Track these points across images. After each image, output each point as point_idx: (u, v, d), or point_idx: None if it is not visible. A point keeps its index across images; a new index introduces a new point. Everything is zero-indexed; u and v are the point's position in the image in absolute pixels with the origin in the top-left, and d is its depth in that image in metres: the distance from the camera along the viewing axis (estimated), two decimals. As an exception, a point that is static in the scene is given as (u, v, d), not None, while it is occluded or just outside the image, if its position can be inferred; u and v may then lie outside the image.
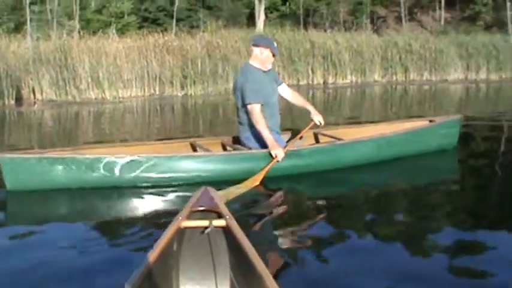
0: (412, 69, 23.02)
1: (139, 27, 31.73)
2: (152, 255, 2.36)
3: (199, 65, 16.98)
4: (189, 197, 3.00)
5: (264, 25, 26.70)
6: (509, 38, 26.84)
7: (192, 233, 2.78)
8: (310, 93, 17.97)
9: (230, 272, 2.76)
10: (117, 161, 5.19)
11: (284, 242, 3.93)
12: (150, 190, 5.18)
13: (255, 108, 5.49)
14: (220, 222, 2.73)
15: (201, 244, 2.79)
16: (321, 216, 4.52)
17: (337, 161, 5.83)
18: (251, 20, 32.38)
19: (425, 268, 3.37)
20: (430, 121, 6.94)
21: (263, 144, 5.55)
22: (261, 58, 5.74)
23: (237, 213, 3.79)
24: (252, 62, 5.79)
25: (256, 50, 5.75)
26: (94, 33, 19.38)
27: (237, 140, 6.10)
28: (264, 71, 5.79)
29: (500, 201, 4.95)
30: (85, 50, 16.09)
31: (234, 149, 5.85)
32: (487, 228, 4.14)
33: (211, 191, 3.03)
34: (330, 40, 21.93)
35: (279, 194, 5.18)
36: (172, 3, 34.64)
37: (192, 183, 5.21)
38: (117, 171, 5.19)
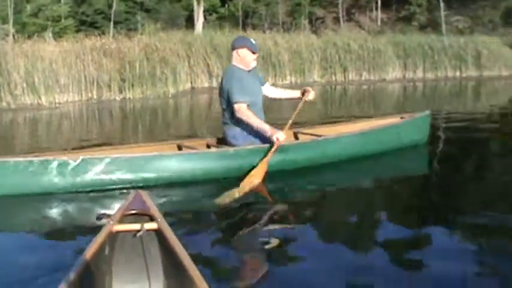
0: (351, 69, 23.27)
1: (77, 31, 31.29)
2: (83, 260, 2.32)
3: (137, 68, 16.69)
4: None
5: (203, 27, 26.60)
6: (443, 38, 27.42)
7: (124, 236, 2.76)
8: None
9: (163, 275, 2.75)
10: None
11: (244, 241, 3.99)
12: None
13: (242, 107, 5.58)
14: (152, 225, 2.73)
15: (133, 248, 2.77)
16: (293, 213, 4.62)
17: (322, 156, 5.97)
18: (190, 22, 32.22)
19: (386, 265, 3.41)
20: (402, 118, 7.15)
21: (250, 142, 5.69)
22: (241, 59, 5.80)
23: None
24: (235, 63, 5.84)
25: (234, 53, 5.84)
26: (29, 37, 18.96)
27: (222, 141, 6.15)
28: (248, 71, 5.86)
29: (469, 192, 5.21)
30: (20, 54, 15.66)
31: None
32: (450, 220, 4.28)
33: (144, 194, 3.02)
34: (269, 41, 21.98)
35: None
36: (110, 6, 34.24)
37: (181, 182, 5.32)
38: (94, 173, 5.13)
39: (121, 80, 16.53)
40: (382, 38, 25.91)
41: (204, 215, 4.62)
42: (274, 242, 3.83)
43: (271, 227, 4.22)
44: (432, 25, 34.52)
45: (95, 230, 2.74)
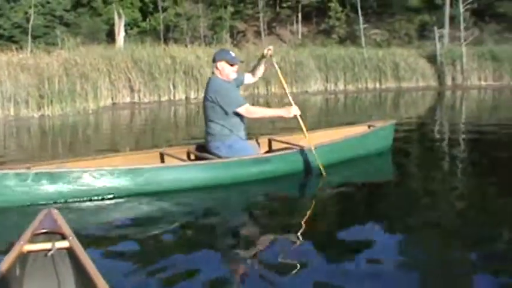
0: (273, 82, 23.41)
1: (-6, 45, 30.39)
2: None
3: (56, 83, 16.23)
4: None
5: (124, 41, 26.27)
6: (363, 50, 27.98)
7: (36, 256, 2.69)
8: (172, 109, 17.85)
9: None
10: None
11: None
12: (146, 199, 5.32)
13: (248, 107, 6.04)
14: (64, 244, 2.68)
15: (45, 267, 2.70)
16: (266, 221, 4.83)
17: (301, 165, 6.30)
18: (111, 36, 31.79)
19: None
20: (369, 126, 7.60)
21: (231, 154, 5.94)
22: (220, 71, 6.10)
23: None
24: (215, 75, 6.15)
25: (214, 67, 6.15)
26: None
27: (203, 150, 6.37)
28: (230, 82, 6.15)
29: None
30: None
31: (203, 158, 6.11)
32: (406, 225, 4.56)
33: (55, 212, 2.92)
34: (191, 55, 21.88)
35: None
36: (28, 20, 33.44)
37: (185, 190, 5.55)
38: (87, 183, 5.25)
39: (39, 96, 16.05)
40: (303, 51, 26.24)
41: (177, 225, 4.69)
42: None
43: (249, 236, 4.40)
44: (351, 38, 35.22)
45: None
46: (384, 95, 23.36)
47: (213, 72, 6.21)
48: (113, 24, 28.51)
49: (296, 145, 6.52)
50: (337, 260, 3.76)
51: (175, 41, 30.71)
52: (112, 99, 19.04)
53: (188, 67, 21.11)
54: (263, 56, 6.46)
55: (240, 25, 37.20)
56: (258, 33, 36.24)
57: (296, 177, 6.21)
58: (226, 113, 6.00)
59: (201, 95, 21.01)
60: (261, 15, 35.16)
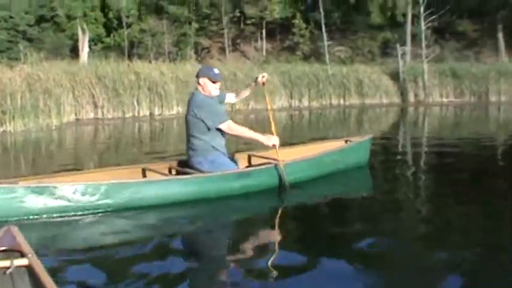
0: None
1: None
2: None
3: (19, 99, 16.04)
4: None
5: (88, 57, 26.10)
6: (327, 67, 28.23)
7: None
8: (137, 126, 17.74)
9: None
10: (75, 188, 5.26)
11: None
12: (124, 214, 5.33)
13: (230, 124, 6.08)
14: (23, 262, 2.65)
15: (3, 285, 2.65)
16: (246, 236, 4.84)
17: (279, 180, 6.34)
18: (75, 52, 31.56)
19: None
20: (346, 141, 7.81)
21: (214, 169, 5.99)
22: (202, 87, 6.18)
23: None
24: (199, 91, 6.20)
25: (196, 83, 6.23)
26: None
27: (185, 165, 6.41)
28: (212, 97, 6.21)
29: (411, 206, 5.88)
30: None
31: (185, 173, 6.13)
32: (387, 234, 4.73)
33: (14, 230, 2.88)
34: (155, 71, 21.83)
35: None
36: (-11, 35, 33.09)
37: (168, 205, 5.57)
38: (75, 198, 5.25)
39: (1, 112, 15.79)
40: (268, 67, 26.35)
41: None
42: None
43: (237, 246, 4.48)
44: (315, 55, 35.45)
45: None
46: (348, 111, 23.57)
47: (196, 88, 6.26)
48: (77, 40, 28.34)
49: (275, 159, 6.55)
50: (312, 269, 3.81)
51: (140, 57, 30.61)
52: (75, 115, 18.88)
53: (152, 83, 21.04)
54: (255, 82, 6.73)
55: (205, 41, 37.21)
56: (222, 50, 36.29)
57: (275, 191, 6.29)
58: (208, 129, 6.05)
59: (166, 111, 21.15)
60: (225, 31, 35.22)
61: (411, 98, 28.91)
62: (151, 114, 20.89)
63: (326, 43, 31.57)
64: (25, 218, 5.08)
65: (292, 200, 6.18)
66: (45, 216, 5.17)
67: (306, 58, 35.34)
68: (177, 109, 21.63)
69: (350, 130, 15.35)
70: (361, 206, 5.86)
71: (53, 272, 3.59)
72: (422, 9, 31.19)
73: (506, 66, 31.15)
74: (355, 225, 5.01)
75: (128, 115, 20.27)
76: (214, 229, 5.11)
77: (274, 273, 3.76)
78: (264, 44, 37.30)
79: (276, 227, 5.09)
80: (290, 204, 6.11)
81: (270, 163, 6.48)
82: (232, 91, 7.02)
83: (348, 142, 7.73)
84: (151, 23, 35.59)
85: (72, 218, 5.21)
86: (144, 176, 6.40)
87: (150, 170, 6.38)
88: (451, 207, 5.70)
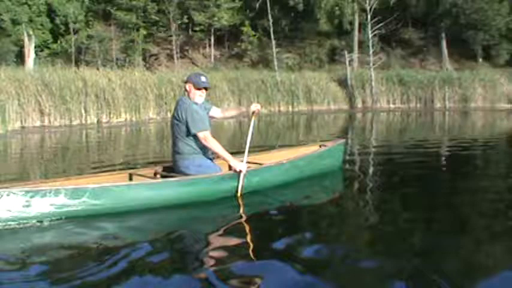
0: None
1: None
2: None
3: (-39, 107, 15.76)
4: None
5: (35, 63, 25.64)
6: (275, 74, 28.38)
7: None
8: (84, 133, 17.50)
9: None
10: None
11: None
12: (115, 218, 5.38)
13: (207, 135, 6.11)
14: None
15: None
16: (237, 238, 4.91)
17: (265, 181, 6.59)
18: (20, 58, 30.98)
19: None
20: (320, 146, 8.04)
21: (201, 172, 6.11)
22: (188, 92, 6.30)
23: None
24: (186, 96, 6.31)
25: (183, 87, 6.40)
26: None
27: (171, 169, 6.50)
28: (197, 104, 6.29)
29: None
30: None
31: (172, 177, 6.12)
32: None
33: None
34: (103, 78, 21.63)
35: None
36: None
37: (152, 209, 5.64)
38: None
39: None
40: (216, 74, 26.35)
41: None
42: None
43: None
44: (264, 62, 35.57)
45: None
46: (297, 117, 23.72)
47: (184, 93, 6.40)
48: (23, 46, 27.80)
49: (258, 163, 6.89)
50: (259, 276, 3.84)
51: (87, 63, 30.25)
52: (21, 122, 18.56)
53: (100, 90, 20.85)
54: (248, 111, 6.87)
55: (153, 48, 36.96)
56: (170, 57, 36.09)
57: (255, 194, 6.39)
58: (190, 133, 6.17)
59: (114, 118, 20.96)
60: (173, 38, 35.04)
61: (359, 104, 29.35)
62: (99, 121, 20.66)
63: (274, 50, 31.73)
64: (15, 223, 5.11)
65: (261, 203, 6.19)
66: (34, 221, 5.18)
67: (254, 65, 35.45)
68: (125, 116, 21.45)
69: (299, 137, 15.45)
70: (313, 212, 5.88)
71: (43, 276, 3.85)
72: (369, 17, 31.67)
73: (450, 74, 31.98)
74: (304, 232, 5.00)
75: (75, 122, 20.01)
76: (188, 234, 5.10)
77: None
78: (213, 51, 37.27)
79: (233, 233, 5.07)
80: (256, 209, 6.05)
81: (251, 167, 6.61)
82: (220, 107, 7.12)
83: (322, 146, 7.96)
84: (98, 29, 35.19)
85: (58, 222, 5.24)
86: (131, 181, 6.40)
87: (136, 175, 6.43)
88: (394, 212, 5.90)
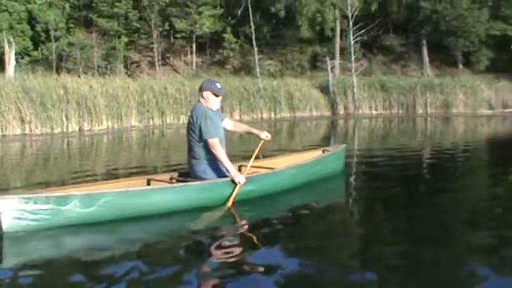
0: (168, 113, 23.31)
1: None
2: None
3: None
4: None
5: (15, 71, 25.43)
6: (257, 81, 28.38)
7: None
8: (66, 141, 17.34)
9: None
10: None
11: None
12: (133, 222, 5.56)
13: (216, 142, 6.27)
14: None
15: None
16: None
17: (275, 186, 6.83)
18: (1, 65, 30.74)
19: None
20: (323, 151, 8.44)
21: (218, 175, 6.39)
22: (205, 100, 6.47)
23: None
24: (201, 103, 6.48)
25: (200, 96, 6.51)
26: None
27: (187, 174, 6.71)
28: (213, 111, 6.48)
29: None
30: None
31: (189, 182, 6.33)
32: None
33: None
34: (85, 85, 21.50)
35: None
36: None
37: (169, 212, 5.83)
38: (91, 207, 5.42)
39: None
40: (199, 81, 26.23)
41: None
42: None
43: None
44: (245, 69, 35.58)
45: None
46: (279, 124, 23.72)
47: (198, 100, 6.53)
48: (3, 53, 27.57)
49: (267, 168, 7.25)
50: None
51: (68, 71, 30.05)
52: (1, 131, 18.38)
53: (81, 98, 20.71)
54: (259, 135, 7.06)
55: (134, 55, 36.85)
56: (152, 64, 36.00)
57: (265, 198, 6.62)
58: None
59: (95, 126, 20.82)
60: (155, 45, 34.97)
61: (341, 110, 29.43)
62: (80, 129, 20.52)
63: (256, 57, 31.74)
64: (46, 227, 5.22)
65: (281, 205, 6.46)
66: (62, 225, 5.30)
67: (236, 72, 35.44)
68: (107, 124, 21.32)
69: (282, 144, 15.41)
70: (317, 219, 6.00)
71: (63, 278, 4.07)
72: (351, 24, 31.77)
73: (431, 80, 32.22)
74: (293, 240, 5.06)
75: (56, 130, 19.85)
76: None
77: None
78: (194, 58, 37.22)
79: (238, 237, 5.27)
80: (278, 210, 6.31)
81: (260, 171, 7.05)
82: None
83: (325, 151, 8.38)
84: (80, 36, 35.00)
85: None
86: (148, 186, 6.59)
87: (154, 180, 6.59)
88: (378, 215, 6.12)
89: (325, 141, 16.35)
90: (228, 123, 7.04)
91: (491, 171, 9.76)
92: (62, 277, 4.13)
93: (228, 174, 6.34)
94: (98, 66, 33.33)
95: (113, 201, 5.54)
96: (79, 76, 25.26)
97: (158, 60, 35.14)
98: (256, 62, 31.51)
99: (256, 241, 5.01)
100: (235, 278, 3.97)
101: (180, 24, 35.51)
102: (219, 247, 4.80)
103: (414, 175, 9.03)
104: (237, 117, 25.63)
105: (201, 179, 6.36)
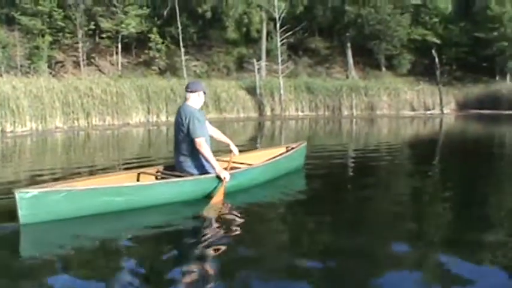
0: (94, 114, 22.98)
1: None
2: None
3: None
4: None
5: None
6: (184, 82, 28.28)
7: None
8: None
9: None
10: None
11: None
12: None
13: (202, 141, 6.78)
14: None
15: None
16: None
17: (253, 180, 7.53)
18: None
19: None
20: (287, 148, 9.19)
21: (203, 171, 6.93)
22: (198, 100, 7.09)
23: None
24: (190, 103, 7.02)
25: (194, 95, 7.04)
26: None
27: (172, 169, 7.23)
28: (199, 110, 7.07)
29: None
30: None
31: (176, 177, 6.86)
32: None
33: None
34: (7, 85, 20.94)
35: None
36: None
37: (161, 205, 6.36)
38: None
39: None
40: (125, 82, 26.00)
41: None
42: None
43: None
44: (171, 69, 35.41)
45: None
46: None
47: (186, 100, 7.07)
48: None
49: (241, 163, 7.92)
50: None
51: (-11, 70, 29.25)
52: None
53: (3, 98, 20.14)
54: (233, 150, 7.61)
55: (59, 55, 36.06)
56: (77, 64, 35.33)
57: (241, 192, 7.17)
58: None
59: (18, 127, 20.32)
60: (80, 45, 34.37)
61: (268, 112, 29.67)
62: (2, 131, 19.96)
63: (184, 58, 31.63)
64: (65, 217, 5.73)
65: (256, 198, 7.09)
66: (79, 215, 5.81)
67: (162, 73, 35.23)
68: (30, 125, 20.83)
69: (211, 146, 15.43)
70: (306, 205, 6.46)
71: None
72: (278, 26, 32.06)
73: (357, 82, 32.93)
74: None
75: (-23, 132, 19.27)
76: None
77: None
78: (120, 58, 36.73)
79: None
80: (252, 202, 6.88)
81: (240, 167, 7.65)
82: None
83: (289, 148, 9.14)
84: (1, 34, 34.06)
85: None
86: (138, 180, 7.14)
87: (144, 173, 7.20)
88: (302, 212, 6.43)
89: (253, 142, 16.46)
90: (211, 129, 7.49)
91: (411, 168, 10.44)
92: (75, 265, 4.51)
93: (212, 170, 6.86)
94: (21, 66, 32.50)
95: (119, 194, 6.08)
96: (1, 75, 24.61)
97: (83, 60, 34.55)
98: (183, 63, 31.40)
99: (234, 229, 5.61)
100: (219, 271, 4.30)
101: (105, 24, 35.00)
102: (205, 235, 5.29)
103: (339, 173, 9.58)
104: (163, 118, 25.49)
105: (188, 173, 6.90)
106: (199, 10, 36.36)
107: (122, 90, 24.04)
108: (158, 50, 36.06)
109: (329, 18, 40.05)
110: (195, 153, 6.90)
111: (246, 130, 21.74)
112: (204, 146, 6.78)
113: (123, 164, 10.70)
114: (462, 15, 40.11)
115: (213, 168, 6.83)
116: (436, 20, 40.05)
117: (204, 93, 7.15)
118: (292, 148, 9.11)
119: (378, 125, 24.70)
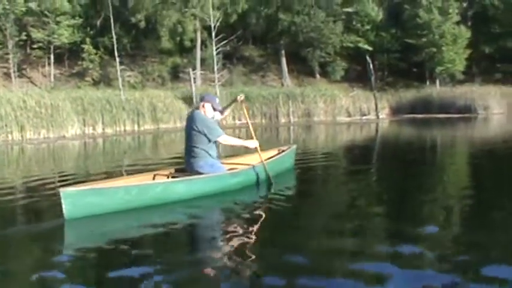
0: (28, 128, 22.53)
1: None
2: None
3: None
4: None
5: None
6: (120, 92, 28.05)
7: None
8: None
9: None
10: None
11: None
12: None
13: (224, 137, 7.85)
14: None
15: None
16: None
17: (249, 179, 8.27)
18: None
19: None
20: (279, 150, 10.13)
21: (213, 170, 7.70)
22: (204, 110, 7.88)
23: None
24: (200, 111, 7.86)
25: (201, 105, 7.94)
26: None
27: (183, 170, 8.01)
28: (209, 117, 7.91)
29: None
30: None
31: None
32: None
33: None
34: None
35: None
36: None
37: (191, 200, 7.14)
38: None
39: None
40: (60, 93, 25.60)
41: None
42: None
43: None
44: (105, 80, 35.07)
45: None
46: (143, 137, 23.53)
47: (197, 108, 8.00)
48: None
49: (249, 164, 8.54)
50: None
51: None
52: None
53: None
54: (235, 101, 8.69)
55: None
56: (8, 76, 34.55)
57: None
58: (209, 140, 7.69)
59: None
60: (10, 56, 33.66)
61: (204, 121, 29.52)
62: None
63: (119, 68, 31.35)
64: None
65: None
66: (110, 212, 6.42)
67: (96, 83, 34.84)
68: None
69: (147, 156, 15.41)
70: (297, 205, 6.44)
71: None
72: (213, 34, 32.14)
73: (293, 90, 33.32)
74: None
75: None
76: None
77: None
78: (52, 70, 36.10)
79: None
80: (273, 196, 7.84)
81: (249, 165, 8.41)
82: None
83: (281, 150, 10.04)
84: None
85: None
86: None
87: (159, 175, 7.92)
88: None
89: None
90: (218, 115, 8.29)
91: (348, 173, 10.77)
92: (114, 257, 4.91)
93: (219, 169, 7.80)
94: None
95: (157, 191, 6.89)
96: None
97: (14, 71, 33.83)
98: (118, 73, 31.13)
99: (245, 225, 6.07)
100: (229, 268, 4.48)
101: (37, 34, 34.37)
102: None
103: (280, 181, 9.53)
104: (99, 130, 25.19)
105: (199, 173, 7.59)
106: (133, 20, 36.09)
107: (57, 102, 23.64)
108: (92, 61, 35.61)
109: (263, 27, 40.36)
110: (204, 155, 7.69)
111: (182, 140, 21.61)
112: (227, 139, 7.93)
113: (59, 177, 10.48)
114: (393, 22, 41.14)
115: (246, 147, 8.49)
116: (367, 27, 40.92)
117: (214, 107, 7.95)
118: (283, 151, 9.92)
119: (315, 131, 25.02)
